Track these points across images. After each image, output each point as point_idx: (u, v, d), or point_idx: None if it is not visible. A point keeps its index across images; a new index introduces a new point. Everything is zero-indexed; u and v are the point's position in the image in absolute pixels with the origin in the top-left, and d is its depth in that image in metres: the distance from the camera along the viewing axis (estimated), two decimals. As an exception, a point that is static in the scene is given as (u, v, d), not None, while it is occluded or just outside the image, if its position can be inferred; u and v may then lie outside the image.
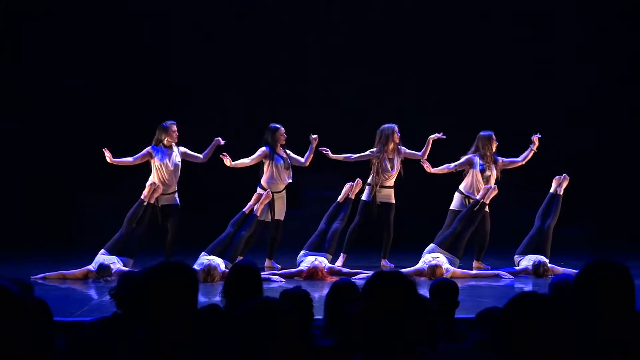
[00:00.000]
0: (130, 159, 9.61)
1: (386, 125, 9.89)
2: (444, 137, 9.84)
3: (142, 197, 9.45)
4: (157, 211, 9.56)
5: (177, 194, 9.72)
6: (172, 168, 9.59)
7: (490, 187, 9.65)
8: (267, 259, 9.93)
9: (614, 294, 2.88)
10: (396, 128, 9.85)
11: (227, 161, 9.61)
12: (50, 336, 3.30)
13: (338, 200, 9.94)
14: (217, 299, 4.39)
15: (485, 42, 12.90)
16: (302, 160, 9.95)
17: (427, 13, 12.89)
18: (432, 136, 9.91)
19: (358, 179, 9.96)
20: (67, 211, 12.44)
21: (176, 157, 9.65)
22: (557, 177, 9.93)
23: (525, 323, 2.69)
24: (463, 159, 9.82)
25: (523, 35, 12.82)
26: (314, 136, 9.83)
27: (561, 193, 9.86)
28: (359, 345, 2.85)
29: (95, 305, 7.31)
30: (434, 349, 3.11)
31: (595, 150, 12.80)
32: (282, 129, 9.81)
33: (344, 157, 9.96)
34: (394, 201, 9.97)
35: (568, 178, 9.89)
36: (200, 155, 9.77)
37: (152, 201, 9.47)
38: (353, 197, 9.94)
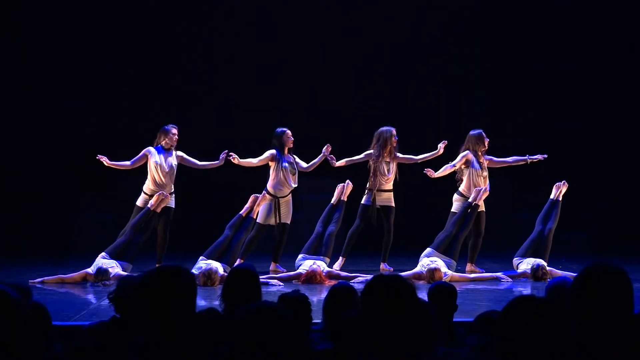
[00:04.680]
0: (127, 162, 9.64)
1: (384, 128, 9.84)
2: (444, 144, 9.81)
3: (149, 206, 9.43)
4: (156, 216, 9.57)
5: (174, 196, 9.73)
6: (167, 170, 9.60)
7: (482, 188, 9.66)
8: (272, 262, 9.90)
9: (612, 298, 2.88)
10: (394, 131, 9.82)
11: (236, 160, 9.61)
12: (49, 340, 3.30)
13: (332, 202, 9.94)
14: (216, 302, 4.39)
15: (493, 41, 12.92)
16: (305, 166, 9.93)
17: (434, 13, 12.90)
18: (441, 144, 9.84)
19: (348, 180, 9.94)
20: (66, 215, 12.43)
21: (173, 160, 9.66)
22: (557, 183, 9.99)
23: (523, 326, 2.69)
24: (460, 156, 9.78)
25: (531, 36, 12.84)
26: (328, 148, 9.79)
27: (560, 199, 9.92)
28: (358, 350, 2.85)
29: (93, 310, 7.30)
30: (432, 352, 3.11)
31: (596, 153, 12.80)
32: (289, 132, 9.80)
33: (346, 162, 9.95)
34: (393, 204, 9.94)
35: (567, 185, 9.93)
36: (198, 162, 9.78)
37: (159, 210, 9.47)
38: (345, 199, 9.93)
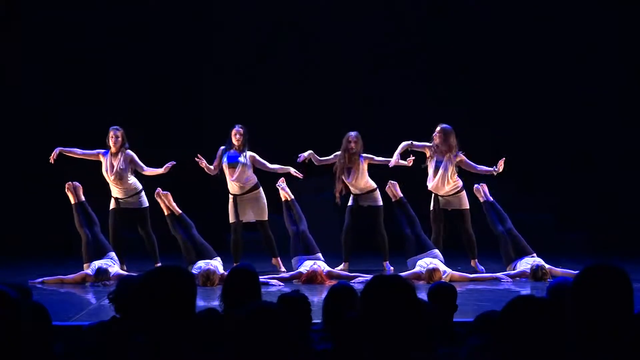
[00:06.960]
0: (79, 151, 9.66)
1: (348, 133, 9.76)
2: (408, 163, 9.53)
3: (72, 202, 9.50)
4: (117, 214, 9.62)
5: (141, 195, 9.67)
6: (112, 174, 9.52)
7: (391, 181, 9.72)
8: (272, 258, 9.83)
9: (612, 298, 2.89)
10: (350, 136, 9.64)
11: (203, 163, 9.57)
12: (49, 341, 3.30)
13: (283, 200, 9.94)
14: (216, 303, 4.39)
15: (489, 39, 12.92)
16: (269, 166, 9.69)
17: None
18: (401, 161, 9.50)
19: (281, 181, 9.85)
20: (66, 215, 12.40)
21: (119, 163, 9.52)
22: (476, 187, 9.84)
23: (523, 326, 2.69)
24: (424, 143, 9.55)
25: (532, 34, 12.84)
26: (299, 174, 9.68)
27: (491, 198, 9.80)
28: (358, 350, 2.85)
29: (93, 310, 7.31)
30: (432, 353, 3.11)
31: (595, 153, 12.80)
32: (238, 128, 9.61)
33: (317, 160, 9.83)
34: (380, 203, 9.83)
35: (484, 184, 9.82)
36: (145, 167, 9.58)
37: (82, 199, 9.50)
38: (289, 198, 9.86)
